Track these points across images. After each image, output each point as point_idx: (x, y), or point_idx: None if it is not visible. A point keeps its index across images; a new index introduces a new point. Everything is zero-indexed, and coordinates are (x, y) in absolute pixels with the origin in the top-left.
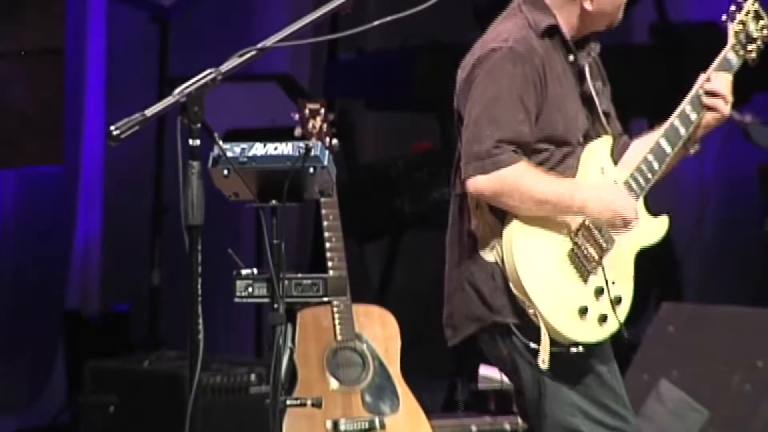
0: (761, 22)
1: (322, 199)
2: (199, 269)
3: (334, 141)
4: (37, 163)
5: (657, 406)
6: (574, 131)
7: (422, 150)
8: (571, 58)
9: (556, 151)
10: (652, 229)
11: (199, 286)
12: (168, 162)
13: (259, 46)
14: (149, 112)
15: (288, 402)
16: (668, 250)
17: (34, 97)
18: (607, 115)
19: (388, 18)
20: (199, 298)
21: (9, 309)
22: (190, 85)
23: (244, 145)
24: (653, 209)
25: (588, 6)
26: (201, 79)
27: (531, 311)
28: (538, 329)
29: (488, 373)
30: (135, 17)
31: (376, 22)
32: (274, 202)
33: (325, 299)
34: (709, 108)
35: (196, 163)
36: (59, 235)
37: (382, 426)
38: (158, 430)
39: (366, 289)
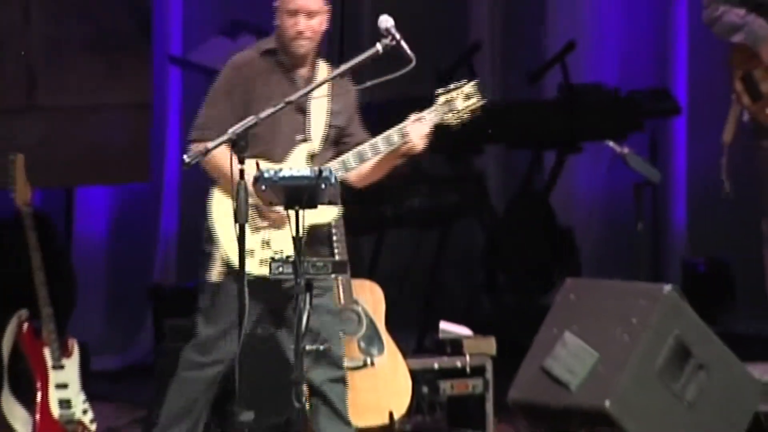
0: (469, 101)
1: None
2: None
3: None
4: (132, 180)
5: (562, 351)
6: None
7: (402, 171)
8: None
9: None
10: (323, 214)
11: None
12: None
13: (287, 100)
14: (210, 145)
15: (307, 347)
16: (570, 243)
17: (129, 134)
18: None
19: (383, 78)
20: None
21: (113, 283)
22: (238, 128)
23: (275, 168)
24: (559, 216)
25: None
26: (245, 123)
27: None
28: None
29: (446, 327)
30: (204, 80)
31: (369, 83)
32: (296, 208)
33: (332, 276)
34: (404, 138)
35: (242, 182)
36: (148, 231)
37: (372, 363)
38: None
39: (360, 269)
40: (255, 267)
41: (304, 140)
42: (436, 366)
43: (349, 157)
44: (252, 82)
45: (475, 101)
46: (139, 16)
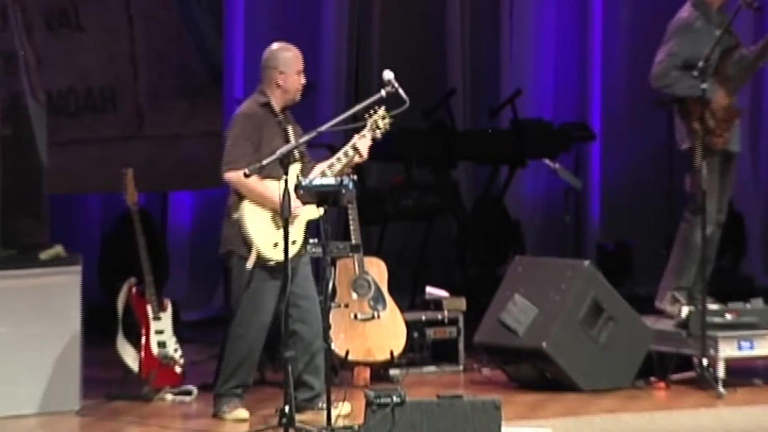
0: (385, 121)
1: (349, 206)
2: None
3: (354, 176)
4: (208, 186)
5: (513, 307)
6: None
7: (397, 180)
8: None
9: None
10: (314, 212)
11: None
12: None
13: (318, 129)
14: (264, 162)
15: (332, 306)
16: (518, 231)
17: (206, 154)
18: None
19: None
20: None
21: (195, 259)
22: (284, 150)
23: (311, 179)
24: (510, 212)
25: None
26: (288, 148)
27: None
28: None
29: (430, 290)
30: None
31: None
32: (324, 207)
33: (350, 254)
34: (356, 151)
35: (287, 188)
36: (219, 221)
37: (378, 316)
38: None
39: (369, 249)
40: (278, 254)
41: (295, 161)
42: (423, 318)
43: (324, 166)
44: (259, 127)
45: (388, 121)
46: (213, 70)
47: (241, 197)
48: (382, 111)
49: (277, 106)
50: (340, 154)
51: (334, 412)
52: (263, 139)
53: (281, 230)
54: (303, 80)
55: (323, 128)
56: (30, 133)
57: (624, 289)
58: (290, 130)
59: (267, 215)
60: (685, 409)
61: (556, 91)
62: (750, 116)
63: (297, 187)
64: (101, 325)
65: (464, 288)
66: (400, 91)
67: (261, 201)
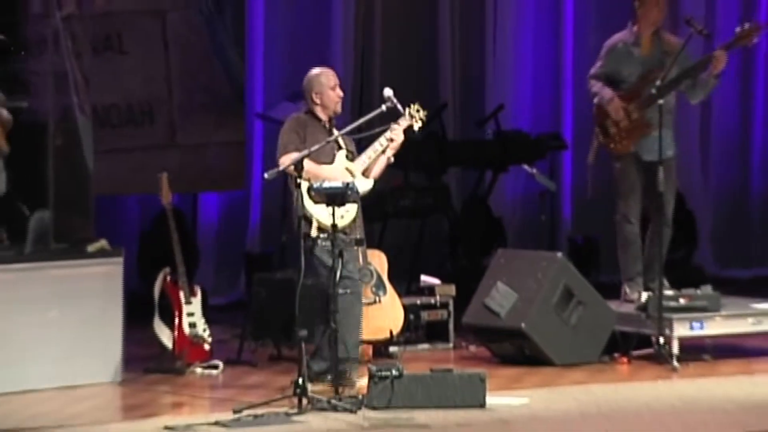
0: (419, 114)
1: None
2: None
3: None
4: (233, 188)
5: (496, 293)
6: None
7: (396, 183)
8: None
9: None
10: (365, 184)
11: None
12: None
13: (332, 137)
14: (281, 167)
15: (339, 292)
16: (501, 228)
17: (231, 161)
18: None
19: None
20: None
21: (222, 251)
22: (297, 157)
23: (321, 182)
24: (494, 212)
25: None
26: (300, 156)
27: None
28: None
29: (425, 278)
30: (276, 128)
31: (377, 129)
32: (333, 205)
33: (355, 247)
34: (391, 142)
35: (300, 191)
36: (242, 219)
37: (379, 301)
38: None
39: (372, 243)
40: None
41: (340, 149)
42: (418, 302)
43: (369, 151)
44: (303, 126)
45: (421, 114)
46: (236, 88)
47: (298, 184)
48: (417, 105)
49: (322, 116)
50: (377, 143)
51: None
52: (308, 135)
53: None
54: (340, 93)
55: (337, 134)
56: (78, 143)
57: (591, 277)
58: (336, 132)
59: None
60: (644, 381)
61: (533, 106)
62: (701, 127)
63: (309, 188)
64: (140, 309)
65: (454, 276)
66: (398, 105)
67: (314, 179)
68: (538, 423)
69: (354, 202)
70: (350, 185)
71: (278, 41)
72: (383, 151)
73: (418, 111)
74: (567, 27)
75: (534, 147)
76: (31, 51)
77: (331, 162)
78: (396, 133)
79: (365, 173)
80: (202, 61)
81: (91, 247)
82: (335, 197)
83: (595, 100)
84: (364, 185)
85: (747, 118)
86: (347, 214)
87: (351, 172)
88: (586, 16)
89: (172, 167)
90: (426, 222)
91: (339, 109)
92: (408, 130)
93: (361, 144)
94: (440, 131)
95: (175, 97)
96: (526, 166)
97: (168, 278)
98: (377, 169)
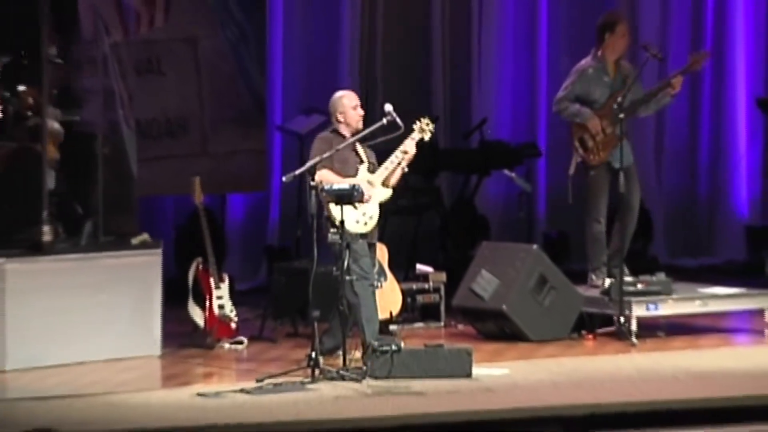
0: (429, 126)
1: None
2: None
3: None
4: (256, 190)
5: (481, 280)
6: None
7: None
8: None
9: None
10: (384, 193)
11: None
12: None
13: (336, 148)
14: (297, 172)
15: (347, 278)
16: (485, 223)
17: (254, 166)
18: (371, 162)
19: (385, 137)
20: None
21: (246, 244)
22: (309, 164)
23: (331, 184)
24: (479, 210)
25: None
26: (312, 162)
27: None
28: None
29: (420, 267)
30: (293, 139)
31: (381, 140)
32: (340, 204)
33: (359, 240)
34: (405, 154)
35: (315, 192)
36: (264, 216)
37: (381, 286)
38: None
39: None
40: (358, 227)
41: (362, 162)
42: (414, 287)
43: (386, 163)
44: (330, 146)
45: (430, 127)
46: (259, 104)
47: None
48: (426, 119)
49: (346, 133)
50: (393, 156)
51: (348, 357)
52: (333, 154)
53: (358, 210)
54: (361, 112)
55: (342, 145)
56: (124, 151)
57: (563, 266)
58: (359, 148)
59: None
60: (607, 355)
61: (512, 120)
62: (655, 139)
63: (321, 190)
64: (176, 293)
65: (445, 265)
66: (397, 119)
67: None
68: (516, 390)
69: (360, 202)
70: (356, 187)
71: (294, 64)
72: (399, 163)
73: (428, 124)
74: (541, 52)
75: (513, 155)
76: (83, 72)
77: (355, 174)
78: (409, 146)
79: (384, 183)
80: (229, 81)
81: (135, 240)
82: (343, 197)
83: (577, 119)
84: (384, 194)
85: (695, 132)
86: (370, 221)
87: (372, 184)
88: (558, 43)
89: (203, 172)
90: (421, 219)
91: (360, 126)
92: (419, 142)
93: (378, 152)
94: (433, 141)
95: (206, 112)
96: (506, 171)
97: (200, 267)
98: (394, 179)
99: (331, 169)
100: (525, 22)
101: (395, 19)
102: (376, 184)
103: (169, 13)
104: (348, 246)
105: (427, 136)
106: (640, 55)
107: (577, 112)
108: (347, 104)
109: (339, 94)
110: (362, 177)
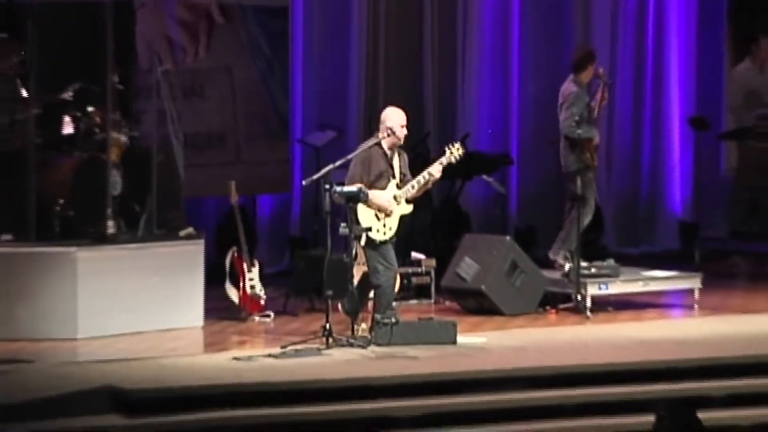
0: (459, 151)
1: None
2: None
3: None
4: (281, 191)
5: (464, 265)
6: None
7: None
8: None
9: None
10: (406, 208)
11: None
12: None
13: (334, 165)
14: (314, 177)
15: (354, 263)
16: (467, 220)
17: (279, 172)
18: (403, 173)
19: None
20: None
21: (273, 236)
22: (323, 171)
23: (341, 187)
24: (462, 209)
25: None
26: (326, 170)
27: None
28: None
29: (414, 254)
30: (310, 150)
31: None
32: (351, 203)
33: (365, 232)
34: (431, 176)
35: (329, 194)
36: (288, 213)
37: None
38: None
39: None
40: (380, 235)
41: (393, 177)
42: (410, 271)
43: (414, 182)
44: (369, 160)
45: (460, 151)
46: (283, 122)
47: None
48: (457, 144)
49: (386, 146)
50: (423, 174)
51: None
52: (372, 165)
53: (381, 221)
54: (405, 131)
55: (349, 157)
56: (173, 160)
57: (531, 253)
58: (395, 160)
59: (371, 212)
60: (567, 326)
61: (490, 134)
62: (606, 141)
63: (333, 192)
64: (216, 276)
65: (435, 253)
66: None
67: (374, 198)
68: (493, 355)
69: (365, 202)
70: (361, 189)
71: (311, 90)
72: (425, 184)
73: (458, 149)
74: (513, 78)
75: (490, 163)
76: (140, 95)
77: (385, 188)
78: (436, 170)
79: (408, 200)
80: (259, 103)
81: (182, 233)
82: (351, 198)
83: (597, 140)
84: (406, 209)
85: (638, 143)
86: (389, 231)
87: (397, 200)
88: (527, 70)
89: (238, 177)
90: (415, 215)
91: (402, 142)
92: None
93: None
94: (425, 152)
95: (240, 129)
96: (484, 176)
97: (235, 254)
98: (417, 195)
99: (367, 184)
100: (500, 53)
101: (394, 49)
102: (401, 201)
103: (209, 48)
104: (356, 237)
105: (454, 160)
106: (594, 82)
107: (587, 131)
108: (398, 121)
109: (393, 109)
110: (389, 193)
